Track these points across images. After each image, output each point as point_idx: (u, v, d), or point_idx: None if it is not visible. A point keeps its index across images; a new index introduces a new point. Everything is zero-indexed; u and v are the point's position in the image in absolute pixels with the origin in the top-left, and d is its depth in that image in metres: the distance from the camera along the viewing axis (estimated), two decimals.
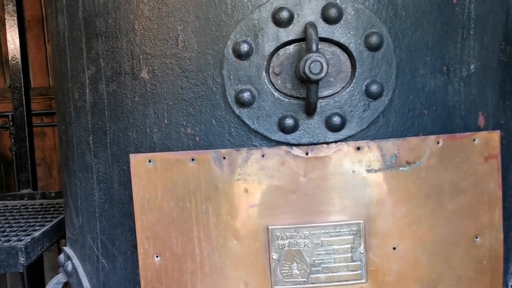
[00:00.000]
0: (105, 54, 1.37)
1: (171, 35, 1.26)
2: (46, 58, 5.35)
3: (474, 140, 1.24)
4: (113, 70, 1.36)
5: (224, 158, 1.23)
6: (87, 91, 1.44)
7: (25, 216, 2.72)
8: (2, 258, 1.90)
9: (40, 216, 2.67)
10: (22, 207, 3.02)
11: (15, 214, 2.81)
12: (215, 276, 1.25)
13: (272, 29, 1.20)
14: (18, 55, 3.24)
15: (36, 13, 5.28)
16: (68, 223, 1.71)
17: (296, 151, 1.22)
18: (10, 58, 3.28)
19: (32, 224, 2.46)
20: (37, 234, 2.11)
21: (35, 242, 2.03)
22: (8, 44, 3.25)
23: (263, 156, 1.22)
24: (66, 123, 1.58)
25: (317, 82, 1.11)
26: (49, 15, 1.68)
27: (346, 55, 1.21)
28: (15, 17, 3.22)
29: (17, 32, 3.22)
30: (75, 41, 1.46)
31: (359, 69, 1.21)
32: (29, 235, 2.15)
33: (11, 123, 5.01)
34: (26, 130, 3.30)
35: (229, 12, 1.22)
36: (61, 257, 1.74)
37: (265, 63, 1.21)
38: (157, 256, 1.27)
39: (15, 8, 3.22)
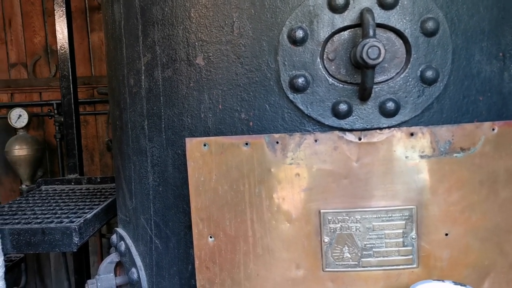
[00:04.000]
0: (161, 42, 1.41)
1: (226, 22, 1.29)
2: (88, 49, 5.50)
3: None
4: (169, 57, 1.40)
5: (277, 142, 1.25)
6: (143, 77, 1.49)
7: (73, 200, 2.82)
8: (58, 238, 1.99)
9: (88, 200, 2.77)
10: (70, 191, 3.14)
11: (64, 197, 2.93)
12: (267, 257, 1.28)
13: (327, 15, 1.21)
14: (66, 45, 3.36)
15: (79, 5, 5.42)
16: (121, 205, 1.78)
17: (349, 136, 1.24)
18: (58, 48, 3.40)
19: (81, 207, 2.56)
20: (89, 215, 2.19)
21: (87, 223, 2.12)
22: (57, 34, 3.37)
23: (316, 141, 1.24)
24: (121, 108, 1.64)
25: (373, 67, 1.12)
26: (104, 4, 1.73)
27: (401, 41, 1.21)
28: (64, 8, 3.33)
29: (66, 22, 3.34)
30: (131, 29, 1.51)
31: (414, 55, 1.21)
32: (80, 217, 2.24)
33: (55, 111, 5.19)
34: (74, 117, 3.43)
35: None
36: (114, 237, 1.81)
37: (320, 49, 1.22)
38: (211, 237, 1.31)
39: None
